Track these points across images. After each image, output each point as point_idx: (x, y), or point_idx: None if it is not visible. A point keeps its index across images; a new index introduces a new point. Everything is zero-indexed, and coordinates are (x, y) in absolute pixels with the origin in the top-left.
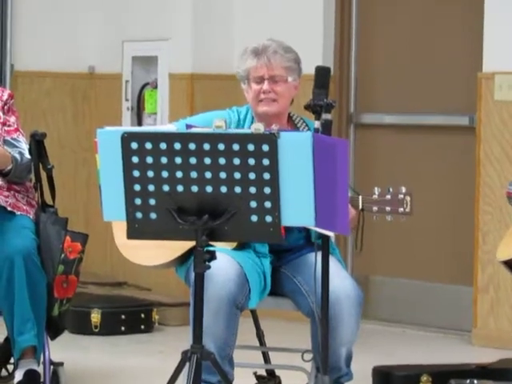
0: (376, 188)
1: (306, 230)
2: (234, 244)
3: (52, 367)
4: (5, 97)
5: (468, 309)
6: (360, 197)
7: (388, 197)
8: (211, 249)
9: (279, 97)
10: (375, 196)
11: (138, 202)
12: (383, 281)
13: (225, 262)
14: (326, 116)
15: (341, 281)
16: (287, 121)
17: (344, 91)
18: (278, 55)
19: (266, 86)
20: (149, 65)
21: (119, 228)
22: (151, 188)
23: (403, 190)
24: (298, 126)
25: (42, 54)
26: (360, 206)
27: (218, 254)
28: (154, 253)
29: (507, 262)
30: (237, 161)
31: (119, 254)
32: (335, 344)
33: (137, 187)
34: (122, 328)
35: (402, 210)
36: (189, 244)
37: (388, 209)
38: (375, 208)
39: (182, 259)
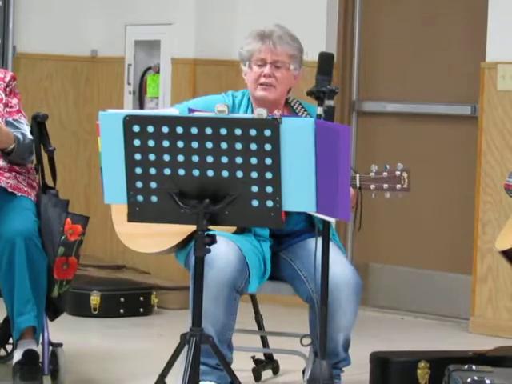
0: (373, 165)
1: (306, 213)
2: (234, 228)
3: (51, 348)
4: (7, 78)
5: (466, 297)
6: (357, 175)
7: (385, 174)
8: (212, 233)
9: (278, 83)
10: (372, 174)
11: (139, 185)
12: (383, 268)
13: (225, 246)
14: (328, 102)
15: (340, 267)
16: (284, 105)
17: (347, 79)
18: (284, 42)
19: (267, 69)
20: (151, 49)
21: (118, 216)
22: (153, 171)
23: (400, 166)
24: (295, 109)
25: (45, 36)
26: (358, 185)
27: (218, 238)
28: (154, 240)
29: (506, 252)
30: (239, 145)
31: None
32: (333, 330)
33: (138, 170)
34: (121, 311)
35: (399, 186)
36: (188, 230)
37: (386, 186)
38: (373, 186)
39: (182, 244)
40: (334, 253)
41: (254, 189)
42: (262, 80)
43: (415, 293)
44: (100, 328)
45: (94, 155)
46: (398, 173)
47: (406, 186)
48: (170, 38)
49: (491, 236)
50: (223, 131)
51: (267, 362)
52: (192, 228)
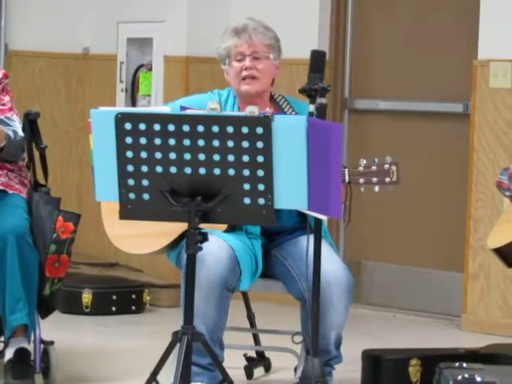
0: (362, 159)
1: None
2: (225, 226)
3: (42, 346)
4: None
5: (458, 295)
6: (346, 170)
7: (374, 168)
8: (203, 231)
9: (261, 75)
10: (361, 168)
11: (131, 182)
12: (375, 266)
13: (216, 245)
14: (320, 100)
15: (332, 265)
16: (269, 100)
17: (339, 76)
18: (259, 33)
19: (248, 62)
20: (144, 47)
21: (108, 218)
22: (144, 169)
23: (389, 159)
24: (281, 104)
25: (37, 33)
26: (347, 179)
27: (209, 237)
28: (145, 241)
29: (497, 249)
30: (231, 143)
31: None
32: (325, 328)
33: (130, 168)
34: (113, 308)
35: (388, 179)
36: (179, 230)
37: (375, 180)
38: (362, 180)
39: (173, 244)
40: (326, 251)
41: (246, 186)
42: (244, 73)
43: (407, 290)
44: (92, 326)
45: (86, 153)
46: (386, 166)
47: (395, 179)
48: (163, 36)
49: (483, 233)
50: (215, 129)
51: (259, 360)
52: (182, 227)
